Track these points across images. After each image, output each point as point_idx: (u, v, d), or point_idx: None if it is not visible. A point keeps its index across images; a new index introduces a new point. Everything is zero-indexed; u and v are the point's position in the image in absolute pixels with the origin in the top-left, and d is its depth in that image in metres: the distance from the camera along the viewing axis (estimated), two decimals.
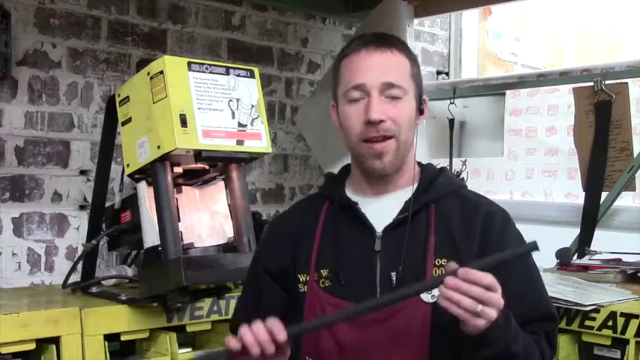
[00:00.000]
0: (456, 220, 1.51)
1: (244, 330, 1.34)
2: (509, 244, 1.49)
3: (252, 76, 2.16)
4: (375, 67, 1.50)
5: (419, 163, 1.61)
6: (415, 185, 1.55)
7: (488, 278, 1.29)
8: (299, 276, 1.55)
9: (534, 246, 1.36)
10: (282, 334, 1.33)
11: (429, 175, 1.58)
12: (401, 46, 1.55)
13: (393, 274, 1.47)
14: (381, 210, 1.53)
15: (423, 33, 3.91)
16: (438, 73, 3.95)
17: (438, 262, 1.47)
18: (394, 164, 1.52)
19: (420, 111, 1.56)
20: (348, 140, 1.54)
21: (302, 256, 1.56)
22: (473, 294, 1.27)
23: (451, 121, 3.35)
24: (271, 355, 1.34)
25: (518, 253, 1.40)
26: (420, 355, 1.44)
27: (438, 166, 1.64)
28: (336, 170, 1.69)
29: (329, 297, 1.50)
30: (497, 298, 1.30)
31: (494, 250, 1.46)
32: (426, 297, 1.38)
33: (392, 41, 1.54)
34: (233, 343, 1.35)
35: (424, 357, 1.44)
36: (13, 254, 2.57)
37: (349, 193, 1.58)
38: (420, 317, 1.43)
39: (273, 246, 1.63)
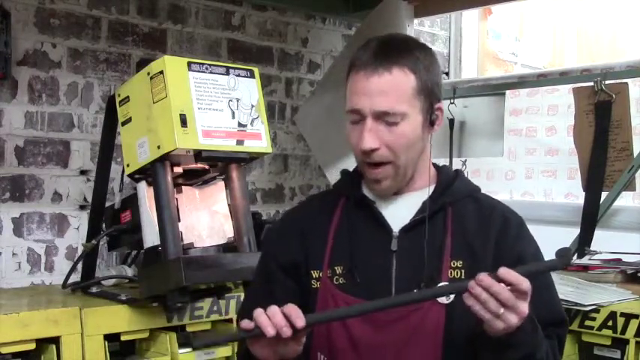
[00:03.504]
0: (472, 223, 1.51)
1: (258, 312, 1.33)
2: (525, 251, 1.50)
3: (252, 76, 2.16)
4: (370, 92, 1.44)
5: (435, 165, 1.60)
6: (432, 187, 1.54)
7: (527, 284, 1.29)
8: (312, 272, 1.54)
9: (557, 264, 1.39)
10: (300, 321, 1.31)
11: (446, 178, 1.57)
12: (404, 60, 1.45)
13: (407, 273, 1.47)
14: (397, 210, 1.53)
15: (423, 33, 3.91)
16: None
17: (454, 263, 1.47)
18: (394, 187, 1.52)
19: (431, 122, 1.51)
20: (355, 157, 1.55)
21: (315, 251, 1.54)
22: (501, 297, 1.27)
23: (451, 121, 3.35)
24: (287, 340, 1.33)
25: (550, 267, 1.40)
26: (433, 355, 1.44)
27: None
28: (335, 170, 1.69)
29: (343, 294, 1.49)
30: (524, 306, 1.30)
31: (509, 256, 1.47)
32: (440, 298, 1.38)
33: (394, 57, 1.45)
34: (245, 323, 1.33)
35: (437, 357, 1.44)
36: (13, 254, 2.57)
37: (365, 191, 1.58)
38: (434, 318, 1.43)
39: (284, 240, 1.61)
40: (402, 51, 1.48)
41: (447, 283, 1.38)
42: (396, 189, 1.53)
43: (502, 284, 1.28)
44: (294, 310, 1.33)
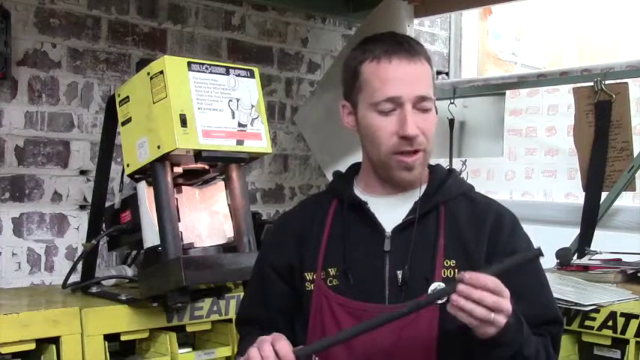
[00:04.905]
0: (466, 223, 1.51)
1: (254, 353, 1.35)
2: (518, 248, 1.50)
3: (252, 76, 2.16)
4: (410, 79, 1.47)
5: (428, 165, 1.60)
6: (424, 186, 1.55)
7: (494, 281, 1.29)
8: (306, 274, 1.54)
9: (539, 252, 1.38)
10: (289, 358, 1.34)
11: (438, 177, 1.57)
12: (424, 53, 1.52)
13: (400, 272, 1.47)
14: (390, 210, 1.53)
15: (423, 33, 3.91)
16: (438, 73, 3.95)
17: (447, 263, 1.47)
18: (421, 174, 1.53)
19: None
20: (374, 150, 1.51)
21: (309, 254, 1.55)
22: (485, 302, 1.28)
23: (451, 121, 3.36)
24: None
25: (524, 260, 1.40)
26: (427, 357, 1.44)
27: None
28: (334, 170, 1.69)
29: (336, 296, 1.49)
30: (506, 304, 1.30)
31: (502, 253, 1.47)
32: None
33: (418, 49, 1.51)
34: None
35: (432, 358, 1.44)
36: (13, 254, 2.57)
37: (358, 192, 1.58)
38: (428, 319, 1.43)
39: (279, 243, 1.62)
40: (419, 45, 1.55)
41: (440, 283, 1.38)
42: (420, 177, 1.53)
43: (482, 291, 1.28)
44: (284, 348, 1.34)
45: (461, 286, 1.28)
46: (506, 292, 1.31)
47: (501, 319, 1.30)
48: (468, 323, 1.30)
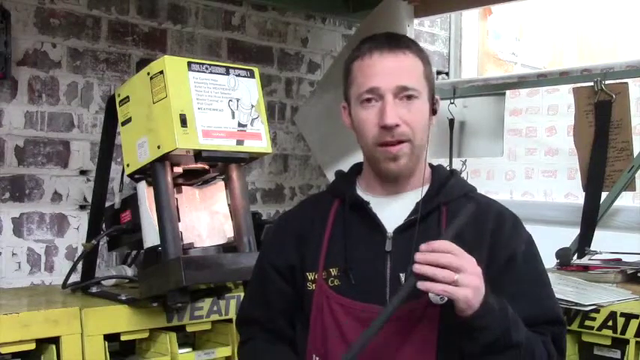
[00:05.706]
0: (467, 223, 1.51)
1: None
2: (517, 249, 1.50)
3: (252, 76, 2.16)
4: (389, 70, 1.48)
5: (430, 165, 1.61)
6: (426, 187, 1.55)
7: (447, 244, 1.33)
8: (307, 274, 1.55)
9: (471, 209, 1.44)
10: None
11: (440, 177, 1.58)
12: (414, 47, 1.53)
13: (403, 275, 1.47)
14: (392, 210, 1.54)
15: (423, 33, 3.91)
16: (438, 73, 3.95)
17: None
18: (408, 166, 1.52)
19: (433, 111, 1.56)
20: (362, 143, 1.54)
21: (311, 254, 1.55)
22: (442, 262, 1.30)
23: (451, 121, 3.36)
24: None
25: (467, 217, 1.43)
26: (428, 356, 1.44)
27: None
28: (334, 170, 1.69)
29: (337, 296, 1.50)
30: (468, 262, 1.33)
31: (502, 252, 1.48)
32: (434, 299, 1.39)
33: (405, 42, 1.53)
34: None
35: (432, 358, 1.44)
36: (13, 254, 2.57)
37: (360, 193, 1.58)
38: (429, 319, 1.44)
39: (280, 244, 1.63)
40: (409, 40, 1.57)
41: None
42: (408, 170, 1.53)
43: (437, 253, 1.32)
44: None
45: (417, 255, 1.32)
46: (466, 254, 1.34)
47: (473, 280, 1.31)
48: (441, 293, 1.31)
